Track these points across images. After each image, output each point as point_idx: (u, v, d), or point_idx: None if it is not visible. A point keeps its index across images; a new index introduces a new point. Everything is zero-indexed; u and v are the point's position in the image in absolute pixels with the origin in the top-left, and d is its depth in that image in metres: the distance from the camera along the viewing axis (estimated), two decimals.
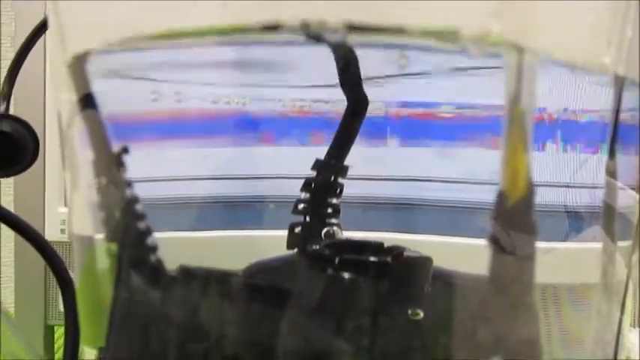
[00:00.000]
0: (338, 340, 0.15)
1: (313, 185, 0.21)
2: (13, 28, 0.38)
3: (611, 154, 0.17)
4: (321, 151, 0.21)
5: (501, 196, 0.14)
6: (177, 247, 0.19)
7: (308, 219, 0.21)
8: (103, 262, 0.17)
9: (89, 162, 0.17)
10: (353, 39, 0.12)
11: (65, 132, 0.17)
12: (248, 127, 0.21)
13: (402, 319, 0.16)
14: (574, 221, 0.20)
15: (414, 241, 0.19)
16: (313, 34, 0.11)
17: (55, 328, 0.41)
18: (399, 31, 0.11)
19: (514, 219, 0.14)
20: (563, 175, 0.20)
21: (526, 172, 0.13)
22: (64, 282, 0.22)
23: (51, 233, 0.38)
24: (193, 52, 0.16)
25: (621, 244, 0.18)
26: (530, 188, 0.14)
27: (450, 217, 0.23)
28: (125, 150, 0.17)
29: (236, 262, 0.18)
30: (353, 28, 0.11)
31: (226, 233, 0.22)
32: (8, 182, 0.39)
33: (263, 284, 0.16)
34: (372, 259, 0.17)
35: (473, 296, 0.16)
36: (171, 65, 0.17)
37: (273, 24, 0.11)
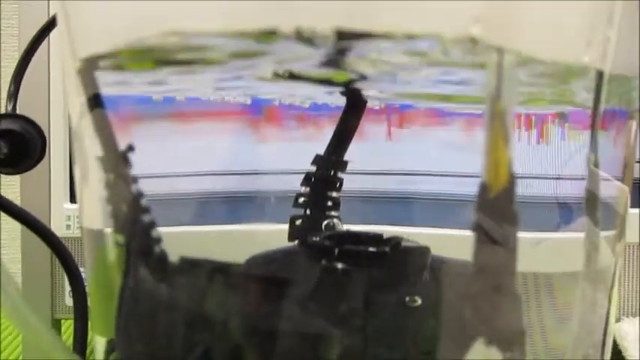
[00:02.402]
0: (337, 327, 0.16)
1: (313, 179, 0.21)
2: (17, 28, 0.38)
3: (593, 145, 0.17)
4: (320, 147, 0.22)
5: (483, 188, 0.14)
6: (178, 241, 0.19)
7: (308, 212, 0.21)
8: (112, 253, 0.18)
9: (97, 159, 0.18)
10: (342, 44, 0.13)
11: (75, 130, 0.18)
12: (249, 122, 0.22)
13: (400, 305, 0.17)
14: (565, 212, 0.20)
15: (412, 234, 0.20)
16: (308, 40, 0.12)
17: (62, 321, 0.42)
18: (385, 36, 0.12)
19: (496, 210, 0.15)
20: (554, 166, 0.20)
21: (507, 165, 0.14)
22: (72, 273, 0.22)
23: (56, 229, 0.38)
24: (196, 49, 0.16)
25: (607, 233, 0.19)
26: (512, 180, 0.14)
27: (446, 210, 0.24)
28: (131, 148, 0.17)
29: (237, 256, 0.19)
30: (342, 34, 0.12)
31: (227, 227, 0.23)
32: (14, 179, 0.40)
33: (265, 273, 0.17)
34: (370, 249, 0.17)
35: (463, 282, 0.17)
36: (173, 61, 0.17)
37: (269, 30, 0.12)
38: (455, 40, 0.12)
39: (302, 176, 0.22)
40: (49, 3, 0.38)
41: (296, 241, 0.21)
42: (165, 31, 0.13)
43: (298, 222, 0.21)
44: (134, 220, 0.17)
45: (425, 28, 0.12)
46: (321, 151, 0.22)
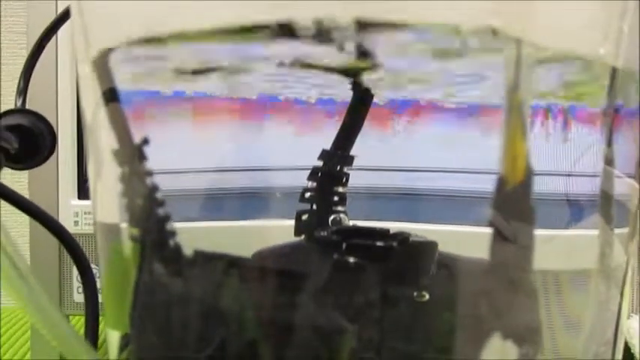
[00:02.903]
0: (346, 321, 0.16)
1: (320, 174, 0.21)
2: (25, 25, 0.39)
3: (609, 142, 0.17)
4: (327, 142, 0.22)
5: (501, 182, 0.14)
6: (189, 236, 0.20)
7: (315, 207, 0.21)
8: (127, 247, 0.18)
9: (112, 152, 0.18)
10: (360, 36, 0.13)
11: (89, 125, 0.18)
12: (257, 118, 0.22)
13: (408, 300, 0.17)
14: (576, 209, 0.20)
15: (418, 230, 0.20)
16: (324, 34, 0.12)
17: (70, 317, 0.42)
18: (402, 26, 0.12)
19: (513, 204, 0.15)
20: (565, 163, 0.20)
21: (524, 158, 0.14)
22: (83, 267, 0.22)
23: (65, 225, 0.38)
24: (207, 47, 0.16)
25: (620, 231, 0.18)
26: (529, 174, 0.14)
27: (453, 206, 0.23)
28: (146, 141, 0.17)
29: (246, 251, 0.19)
30: (361, 25, 0.12)
31: (235, 223, 0.23)
32: (22, 175, 0.40)
33: (275, 267, 0.17)
34: (378, 243, 0.17)
35: (475, 278, 0.17)
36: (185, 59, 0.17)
37: (286, 22, 0.12)
38: (474, 31, 0.12)
39: (308, 172, 0.22)
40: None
41: (302, 236, 0.21)
42: (178, 29, 0.13)
43: (305, 217, 0.21)
44: (149, 213, 0.17)
45: (445, 18, 0.12)
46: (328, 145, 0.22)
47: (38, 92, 0.36)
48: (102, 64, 0.16)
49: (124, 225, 0.18)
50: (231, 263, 0.17)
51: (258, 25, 0.12)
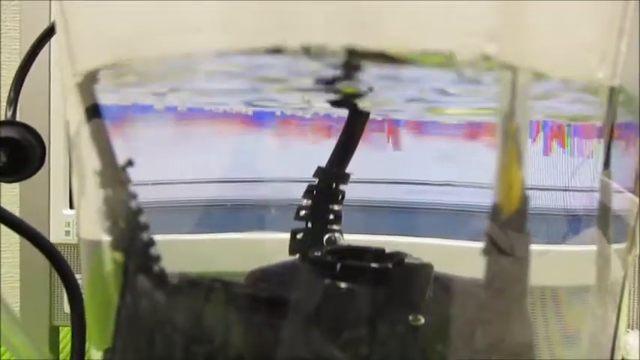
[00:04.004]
0: (339, 347, 0.15)
1: (315, 192, 0.21)
2: (18, 30, 0.38)
3: (607, 159, 0.17)
4: (323, 158, 0.22)
5: (495, 209, 0.14)
6: (181, 249, 0.19)
7: (310, 225, 0.21)
8: (109, 267, 0.18)
9: (95, 172, 0.17)
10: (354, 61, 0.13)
11: (73, 140, 0.18)
12: (251, 132, 0.22)
13: (403, 324, 0.16)
14: (573, 224, 0.20)
15: (413, 244, 0.19)
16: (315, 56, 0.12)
17: (60, 328, 0.41)
18: (396, 56, 0.11)
19: (508, 231, 0.14)
20: (562, 178, 0.20)
21: (520, 187, 0.14)
22: (70, 283, 0.22)
23: (56, 235, 0.38)
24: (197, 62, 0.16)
25: (618, 246, 0.18)
26: (524, 201, 0.14)
27: (448, 220, 0.23)
28: (130, 163, 0.17)
29: (238, 264, 0.18)
30: (352, 53, 0.11)
31: (230, 236, 0.22)
32: (14, 185, 0.39)
33: (265, 293, 0.17)
34: (373, 265, 0.17)
35: (471, 301, 0.17)
36: (174, 73, 0.17)
37: (276, 48, 0.11)
38: (468, 59, 0.12)
39: (303, 186, 0.22)
40: (50, 5, 0.37)
41: (297, 255, 0.21)
42: (165, 51, 0.13)
43: (299, 235, 0.21)
44: (132, 238, 0.17)
45: (438, 45, 0.12)
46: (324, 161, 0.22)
47: (31, 102, 0.36)
48: (86, 82, 0.16)
49: (107, 245, 0.17)
50: (216, 288, 0.16)
51: (248, 49, 0.12)
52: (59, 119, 0.38)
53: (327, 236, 0.21)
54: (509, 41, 0.12)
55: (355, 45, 0.11)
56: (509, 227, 0.14)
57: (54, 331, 0.41)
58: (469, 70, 0.12)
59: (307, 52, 0.11)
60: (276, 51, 0.12)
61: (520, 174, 0.13)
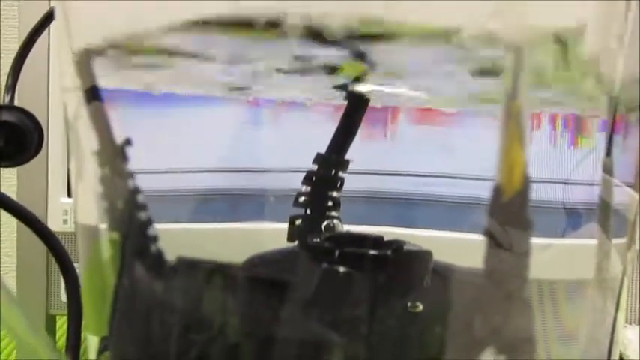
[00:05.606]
0: (337, 332, 0.15)
1: (314, 179, 0.21)
2: (17, 19, 0.38)
3: (608, 151, 0.17)
4: (322, 145, 0.21)
5: (497, 191, 0.14)
6: (179, 238, 0.19)
7: (308, 212, 0.21)
8: (107, 251, 0.18)
9: (93, 153, 0.17)
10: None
11: (71, 123, 0.18)
12: (250, 119, 0.21)
13: (401, 311, 0.16)
14: (572, 218, 0.20)
15: (413, 236, 0.19)
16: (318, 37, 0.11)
17: (57, 317, 0.41)
18: (397, 33, 0.11)
19: (509, 214, 0.14)
20: (562, 171, 0.20)
21: (522, 167, 0.14)
22: (66, 268, 0.22)
23: (53, 223, 0.38)
24: (197, 44, 0.16)
25: (617, 241, 0.18)
26: (526, 183, 0.14)
27: (449, 213, 0.23)
28: (128, 142, 0.17)
29: (237, 254, 0.18)
30: (353, 35, 0.11)
31: (228, 225, 0.22)
32: (11, 172, 0.39)
33: (263, 275, 0.17)
34: (372, 252, 0.17)
35: (470, 290, 0.17)
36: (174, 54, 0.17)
37: (275, 21, 0.11)
38: (472, 36, 0.12)
39: (302, 174, 0.22)
40: None
41: (295, 242, 0.20)
42: (165, 24, 0.13)
43: (298, 222, 0.21)
44: (130, 217, 0.17)
45: (443, 20, 0.12)
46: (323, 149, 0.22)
47: (29, 88, 0.36)
48: (84, 62, 0.16)
49: (105, 228, 0.17)
50: (215, 271, 0.16)
51: (248, 21, 0.12)
52: (58, 107, 0.38)
53: (325, 223, 0.21)
54: (512, 19, 0.12)
55: (358, 17, 0.11)
56: (510, 211, 0.14)
57: (51, 320, 0.41)
58: (472, 47, 0.12)
59: (307, 26, 0.11)
60: (274, 25, 0.11)
61: (522, 155, 0.13)
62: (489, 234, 0.15)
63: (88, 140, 0.17)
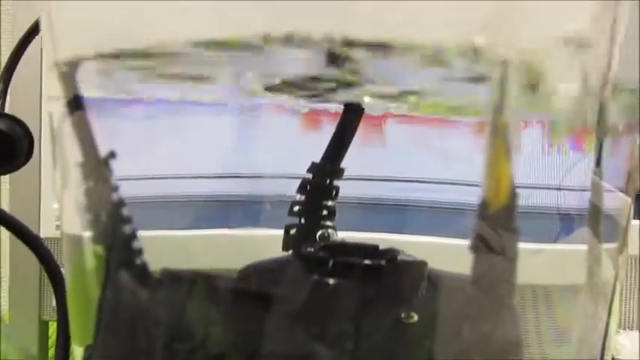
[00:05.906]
0: (327, 345, 0.15)
1: (309, 188, 0.21)
2: (11, 23, 0.38)
3: (598, 162, 0.17)
4: (317, 153, 0.21)
5: (484, 205, 0.14)
6: (171, 245, 0.19)
7: (303, 221, 0.21)
8: (91, 262, 0.17)
9: (77, 164, 0.17)
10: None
11: (56, 132, 0.17)
12: (244, 126, 0.21)
13: (395, 322, 0.16)
14: (565, 223, 0.20)
15: (406, 242, 0.19)
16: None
17: (50, 323, 0.41)
18: (383, 46, 0.11)
19: (496, 227, 0.14)
20: (554, 177, 0.20)
21: (508, 181, 0.14)
22: (57, 279, 0.22)
23: (46, 229, 0.38)
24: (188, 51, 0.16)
25: (609, 245, 0.18)
26: (513, 196, 0.14)
27: (442, 218, 0.23)
28: (112, 155, 0.17)
29: (231, 261, 0.18)
30: (342, 42, 0.11)
31: (222, 232, 0.22)
32: (4, 178, 0.39)
33: (250, 287, 0.17)
34: (366, 261, 0.17)
35: (462, 297, 0.16)
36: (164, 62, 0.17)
37: (261, 36, 0.11)
38: (458, 50, 0.12)
39: (297, 181, 0.21)
40: None
41: (290, 251, 0.20)
42: (152, 40, 0.13)
43: (293, 231, 0.21)
44: (114, 230, 0.16)
45: (428, 35, 0.12)
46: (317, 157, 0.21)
47: (21, 95, 0.36)
48: (68, 72, 0.16)
49: (89, 239, 0.17)
50: (199, 283, 0.16)
51: (234, 39, 0.12)
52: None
53: (320, 232, 0.21)
54: (499, 33, 0.12)
55: (345, 34, 0.11)
56: (496, 223, 0.14)
57: (43, 326, 0.40)
58: (459, 62, 0.12)
59: (292, 40, 0.11)
60: (265, 39, 0.11)
61: (509, 169, 0.13)
62: (478, 245, 0.15)
63: (72, 151, 0.17)
